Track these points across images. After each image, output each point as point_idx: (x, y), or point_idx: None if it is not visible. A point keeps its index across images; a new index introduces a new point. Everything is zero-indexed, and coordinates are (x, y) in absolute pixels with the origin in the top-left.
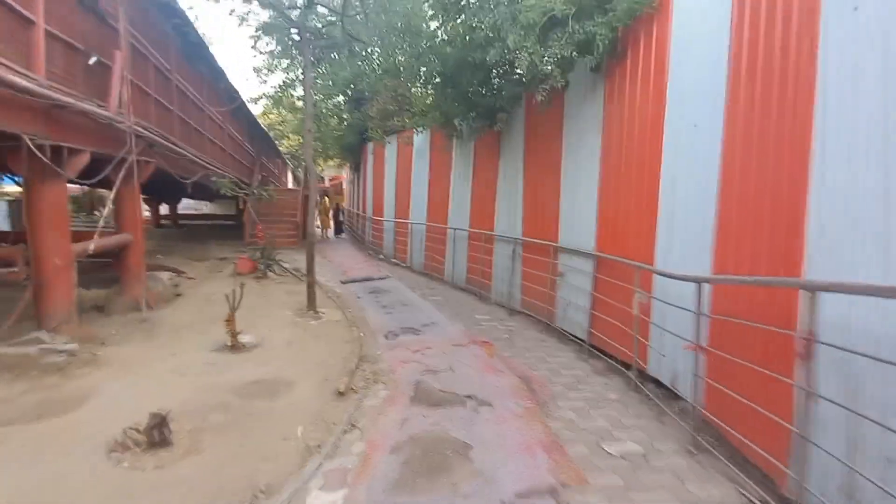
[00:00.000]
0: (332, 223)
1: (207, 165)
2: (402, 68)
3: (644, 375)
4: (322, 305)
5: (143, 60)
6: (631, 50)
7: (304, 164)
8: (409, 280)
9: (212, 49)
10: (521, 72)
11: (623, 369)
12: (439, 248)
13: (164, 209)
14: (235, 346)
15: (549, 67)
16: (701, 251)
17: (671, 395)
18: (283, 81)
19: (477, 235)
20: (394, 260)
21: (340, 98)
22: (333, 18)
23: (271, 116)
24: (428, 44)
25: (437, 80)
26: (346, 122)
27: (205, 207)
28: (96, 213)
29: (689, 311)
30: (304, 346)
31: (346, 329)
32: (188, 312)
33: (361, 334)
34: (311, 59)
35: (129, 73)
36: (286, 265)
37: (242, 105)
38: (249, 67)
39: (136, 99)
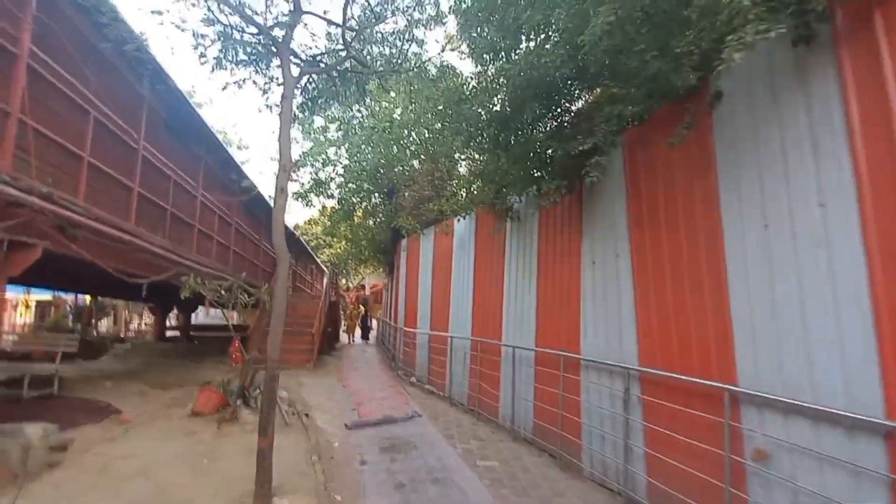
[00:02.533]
0: (358, 329)
1: (190, 263)
2: (435, 130)
3: None
4: (289, 485)
5: (77, 114)
6: None
7: (345, 271)
8: (446, 421)
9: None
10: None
11: None
12: (491, 373)
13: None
14: None
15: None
16: None
17: None
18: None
19: (550, 359)
20: (428, 387)
21: (376, 196)
22: (330, 41)
23: (312, 227)
24: (472, 86)
25: (485, 133)
26: (380, 219)
27: (235, 316)
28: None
29: None
30: None
31: None
32: None
33: None
34: (304, 94)
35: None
36: (283, 395)
37: (260, 199)
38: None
39: (47, 155)
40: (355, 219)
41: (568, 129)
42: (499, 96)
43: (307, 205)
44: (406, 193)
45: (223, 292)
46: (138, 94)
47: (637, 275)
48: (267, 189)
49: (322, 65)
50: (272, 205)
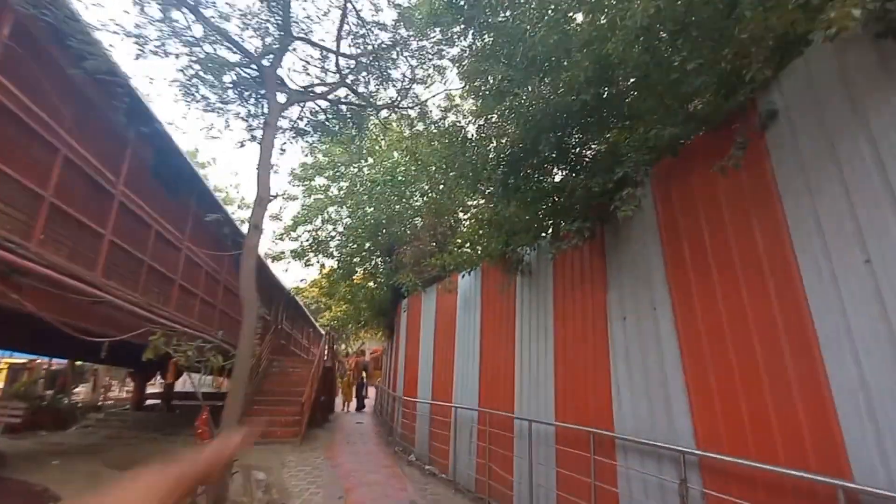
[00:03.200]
0: (354, 396)
1: (164, 320)
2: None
3: None
4: None
5: (43, 150)
6: None
7: (344, 336)
8: None
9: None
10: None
11: None
12: (503, 453)
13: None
14: None
15: None
16: None
17: None
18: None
19: (575, 437)
20: (429, 467)
21: (377, 256)
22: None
23: (311, 290)
24: (478, 126)
25: (492, 176)
26: (379, 279)
27: (224, 383)
28: None
29: None
30: None
31: None
32: None
33: None
34: (294, 127)
35: None
36: (260, 477)
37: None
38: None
39: None
40: (355, 279)
41: (589, 163)
42: (508, 134)
43: (306, 264)
44: (407, 250)
45: (191, 354)
46: (121, 134)
47: (683, 331)
48: (264, 245)
49: (313, 94)
50: (267, 262)
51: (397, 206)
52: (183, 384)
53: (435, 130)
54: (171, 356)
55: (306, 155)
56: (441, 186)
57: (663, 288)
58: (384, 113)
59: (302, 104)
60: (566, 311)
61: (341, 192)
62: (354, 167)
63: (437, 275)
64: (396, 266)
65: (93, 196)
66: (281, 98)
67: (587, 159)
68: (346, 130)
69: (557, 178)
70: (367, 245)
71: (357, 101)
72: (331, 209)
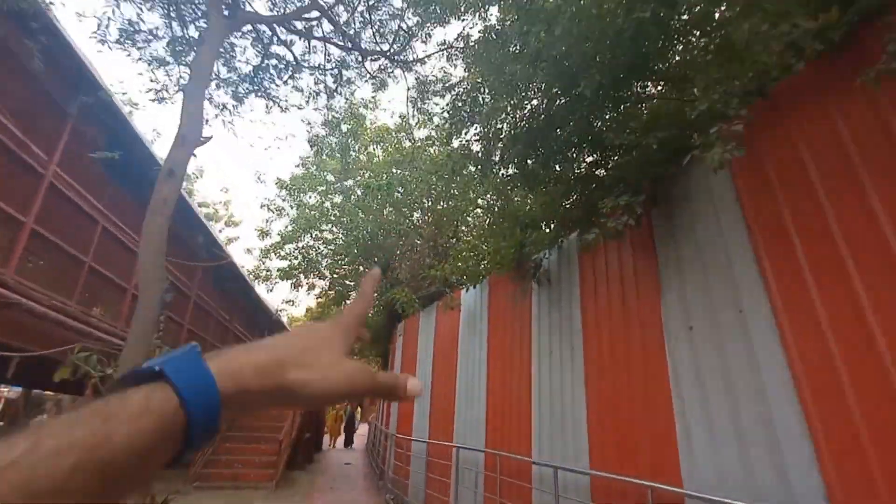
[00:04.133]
0: (342, 431)
1: (100, 334)
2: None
3: None
4: None
5: None
6: None
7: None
8: None
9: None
10: None
11: None
12: None
13: None
14: None
15: None
16: None
17: None
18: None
19: (621, 492)
20: None
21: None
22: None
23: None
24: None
25: (507, 154)
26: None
27: None
28: None
29: None
30: None
31: None
32: None
33: None
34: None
35: None
36: None
37: (237, 275)
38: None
39: None
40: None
41: (644, 113)
42: (531, 89)
43: (295, 285)
44: (404, 265)
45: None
46: (59, 105)
47: (795, 339)
48: (249, 263)
49: (275, 17)
50: (253, 282)
51: (393, 216)
52: None
53: (435, 129)
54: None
55: (297, 166)
56: (442, 193)
57: (755, 283)
58: (374, 65)
59: (264, 41)
60: (599, 324)
61: (335, 210)
62: (349, 181)
63: (437, 291)
64: (391, 283)
65: (11, 173)
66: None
67: (644, 106)
68: (320, 79)
69: (589, 160)
70: (361, 267)
71: (339, 42)
72: (324, 228)
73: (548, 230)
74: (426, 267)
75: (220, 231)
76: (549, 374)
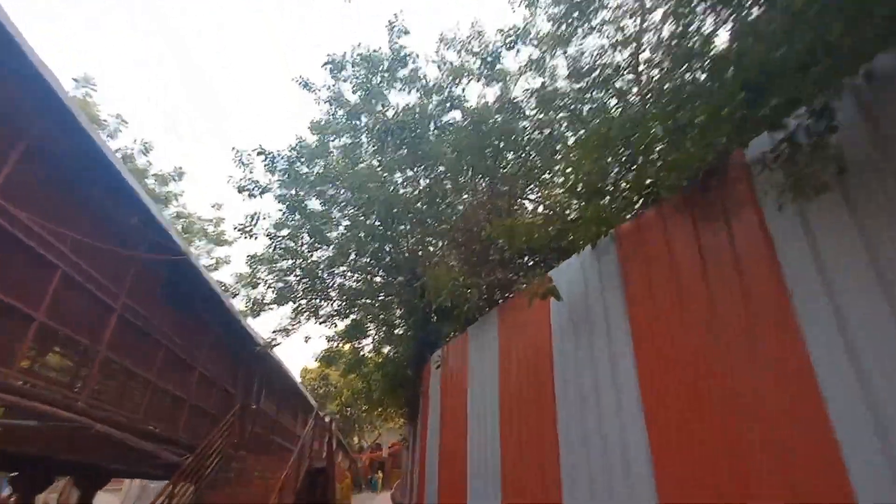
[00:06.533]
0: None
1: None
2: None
3: None
4: None
5: None
6: None
7: (356, 427)
8: None
9: None
10: None
11: None
12: None
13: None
14: None
15: None
16: None
17: None
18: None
19: None
20: None
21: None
22: None
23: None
24: None
25: None
26: (399, 343)
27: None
28: None
29: None
30: None
31: None
32: None
33: None
34: None
35: None
36: None
37: (195, 274)
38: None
39: None
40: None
41: None
42: None
43: (296, 313)
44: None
45: None
46: None
47: None
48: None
49: None
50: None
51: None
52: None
53: None
54: None
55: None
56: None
57: None
58: None
59: None
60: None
61: (344, 160)
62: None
63: (497, 282)
64: (423, 288)
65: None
66: None
67: None
68: None
69: None
70: (379, 270)
71: None
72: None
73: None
74: (480, 230)
75: (210, 251)
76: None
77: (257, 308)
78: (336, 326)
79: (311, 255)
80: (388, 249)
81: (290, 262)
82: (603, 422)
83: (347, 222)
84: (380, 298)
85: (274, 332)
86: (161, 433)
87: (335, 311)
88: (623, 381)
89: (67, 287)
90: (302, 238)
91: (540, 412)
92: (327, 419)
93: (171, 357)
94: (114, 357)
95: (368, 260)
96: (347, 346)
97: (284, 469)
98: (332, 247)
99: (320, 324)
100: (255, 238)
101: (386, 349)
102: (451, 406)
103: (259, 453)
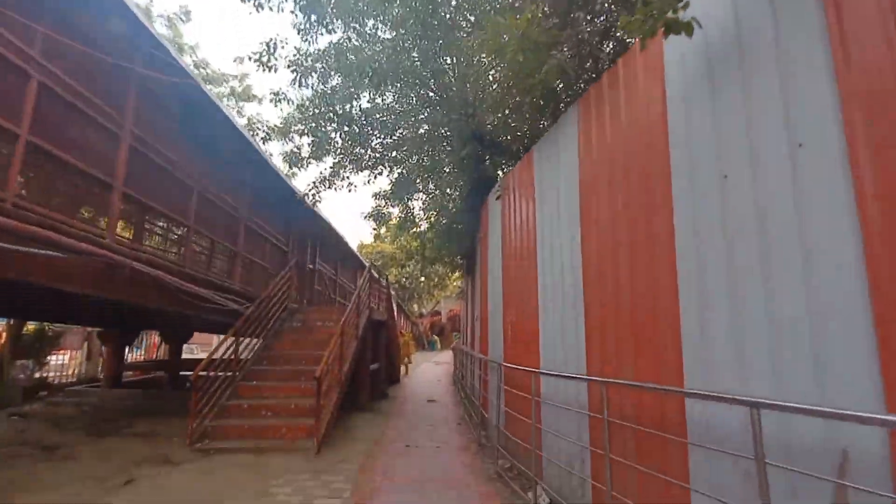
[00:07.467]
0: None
1: None
2: None
3: None
4: None
5: None
6: None
7: (416, 295)
8: None
9: None
10: None
11: None
12: None
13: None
14: None
15: None
16: None
17: None
18: None
19: None
20: None
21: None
22: None
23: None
24: None
25: None
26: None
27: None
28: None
29: None
30: None
31: None
32: None
33: None
34: None
35: None
36: None
37: (204, 101)
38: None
39: None
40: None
41: None
42: None
43: (349, 189)
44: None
45: None
46: None
47: None
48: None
49: None
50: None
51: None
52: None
53: None
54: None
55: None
56: None
57: None
58: None
59: None
60: None
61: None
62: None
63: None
64: (487, 134)
65: None
66: None
67: None
68: None
69: None
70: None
71: None
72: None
73: None
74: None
75: (240, 110)
76: None
77: (296, 160)
78: (382, 175)
79: (346, 95)
80: (432, 83)
81: (322, 107)
82: (770, 212)
83: (383, 54)
84: (426, 141)
85: (314, 182)
86: (214, 279)
87: (378, 159)
88: (816, 129)
89: (51, 104)
90: (332, 77)
91: (649, 243)
92: (383, 282)
93: (207, 203)
94: (132, 193)
95: (413, 99)
96: (396, 210)
97: (337, 315)
98: (367, 82)
99: (362, 172)
100: (276, 70)
101: (436, 208)
102: (516, 247)
103: (319, 305)
